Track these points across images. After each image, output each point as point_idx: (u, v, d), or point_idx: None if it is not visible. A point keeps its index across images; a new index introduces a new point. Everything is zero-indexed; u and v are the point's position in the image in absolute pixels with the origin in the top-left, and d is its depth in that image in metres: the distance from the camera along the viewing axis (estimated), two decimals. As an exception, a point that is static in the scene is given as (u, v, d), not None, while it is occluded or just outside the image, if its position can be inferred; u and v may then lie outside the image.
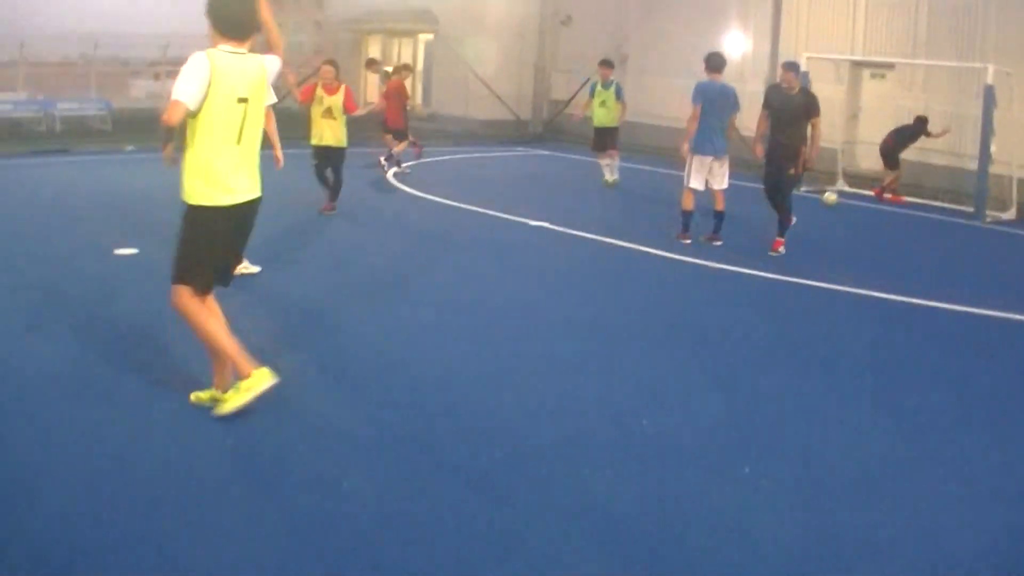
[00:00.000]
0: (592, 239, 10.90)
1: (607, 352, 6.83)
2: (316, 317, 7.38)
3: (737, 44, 21.42)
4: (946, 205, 15.14)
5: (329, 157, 11.44)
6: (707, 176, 10.55)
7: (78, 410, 5.21)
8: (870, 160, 18.29)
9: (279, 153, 8.41)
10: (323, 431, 5.10)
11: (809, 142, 10.24)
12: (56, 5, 27.75)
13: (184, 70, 4.70)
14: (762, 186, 10.62)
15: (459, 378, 6.11)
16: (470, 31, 23.82)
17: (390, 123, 15.66)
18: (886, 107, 18.17)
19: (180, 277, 4.96)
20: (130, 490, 4.30)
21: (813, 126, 10.22)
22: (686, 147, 10.44)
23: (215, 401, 5.11)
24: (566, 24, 24.43)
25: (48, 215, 11.17)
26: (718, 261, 9.89)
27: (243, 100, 4.85)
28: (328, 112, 11.36)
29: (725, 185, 10.57)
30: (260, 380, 4.98)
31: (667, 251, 10.32)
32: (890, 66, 18.35)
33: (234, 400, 4.97)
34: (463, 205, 12.86)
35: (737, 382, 6.32)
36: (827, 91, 15.77)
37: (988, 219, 14.11)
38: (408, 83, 29.66)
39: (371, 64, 19.33)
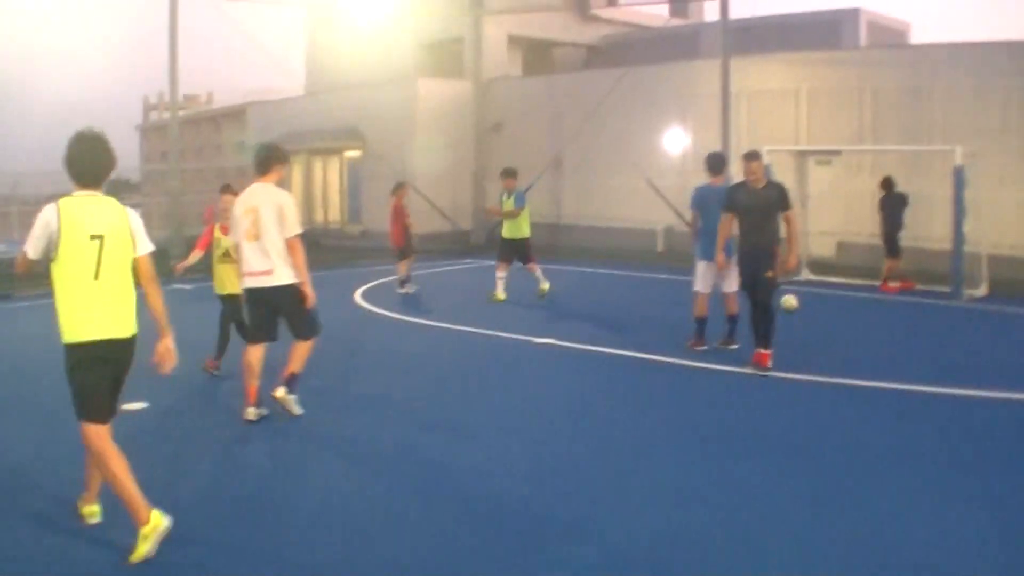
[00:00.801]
0: (606, 353, 10.16)
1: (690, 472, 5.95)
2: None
3: (678, 140, 21.27)
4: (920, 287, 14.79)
5: (234, 308, 8.86)
6: (716, 279, 9.90)
7: None
8: (824, 247, 18.08)
9: (308, 290, 7.34)
10: None
11: (786, 241, 9.05)
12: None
13: (35, 222, 5.03)
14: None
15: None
16: (399, 145, 23.30)
17: (395, 243, 15.32)
18: (836, 192, 18.07)
19: (81, 414, 5.10)
20: None
21: (787, 221, 8.99)
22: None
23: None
24: (497, 131, 24.09)
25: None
26: (739, 366, 9.18)
27: (96, 237, 5.05)
28: (227, 256, 9.00)
29: (735, 288, 9.69)
30: (158, 521, 4.97)
31: (685, 359, 9.64)
32: (836, 153, 18.31)
33: (143, 547, 4.91)
34: (456, 327, 11.96)
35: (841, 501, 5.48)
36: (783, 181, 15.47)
37: (965, 297, 13.82)
38: (337, 202, 29.40)
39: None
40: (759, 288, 8.90)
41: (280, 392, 7.46)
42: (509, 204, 14.03)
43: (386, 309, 13.66)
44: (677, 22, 33.14)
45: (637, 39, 30.02)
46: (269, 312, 7.45)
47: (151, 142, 76.79)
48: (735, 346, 9.94)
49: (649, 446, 6.82)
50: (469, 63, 25.56)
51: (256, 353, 7.48)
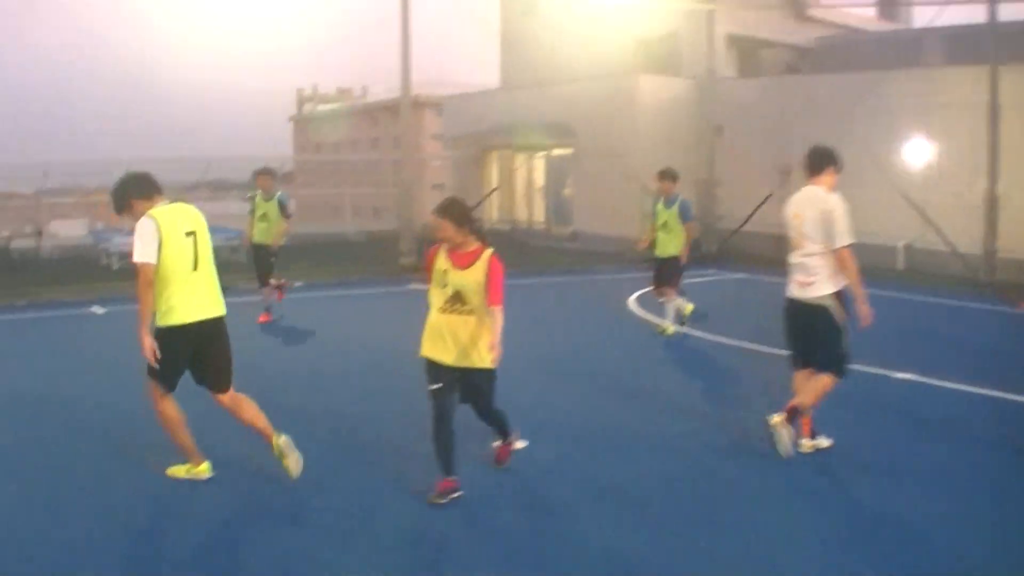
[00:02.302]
0: (997, 398, 8.41)
1: None
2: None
3: (920, 151, 19.55)
4: None
5: None
6: None
7: None
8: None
9: (862, 307, 6.57)
10: None
11: None
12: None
13: (137, 235, 5.79)
14: None
15: None
16: (616, 144, 22.08)
17: None
18: None
19: (148, 374, 5.98)
20: None
21: None
22: None
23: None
24: (718, 134, 22.72)
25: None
26: None
27: (190, 233, 5.97)
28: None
29: None
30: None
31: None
32: None
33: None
34: (769, 349, 10.48)
35: None
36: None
37: None
38: (524, 200, 28.51)
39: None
40: None
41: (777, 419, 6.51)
42: (667, 214, 11.56)
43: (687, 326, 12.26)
44: (886, 25, 31.27)
45: (852, 42, 28.23)
46: (801, 329, 6.73)
47: (304, 133, 77.97)
48: None
49: None
50: (687, 61, 24.26)
51: (802, 376, 6.78)
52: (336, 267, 18.90)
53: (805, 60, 28.36)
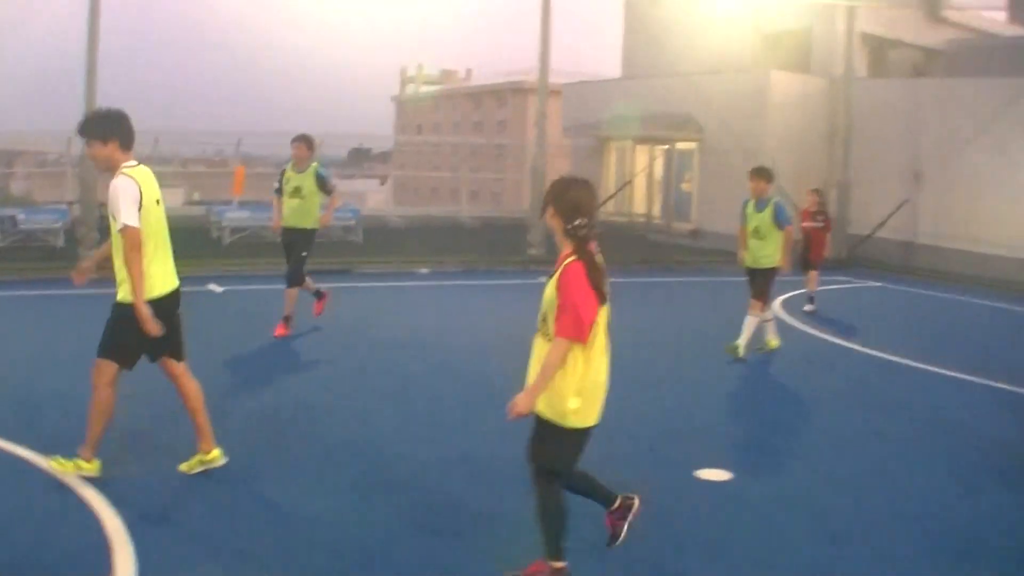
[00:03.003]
0: None
1: None
2: None
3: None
4: None
5: None
6: None
7: None
8: None
9: None
10: None
11: None
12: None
13: (121, 195, 5.40)
14: None
15: None
16: (745, 141, 21.92)
17: (813, 256, 14.11)
18: None
19: (107, 353, 5.62)
20: None
21: None
22: None
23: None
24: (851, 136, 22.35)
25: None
26: None
27: (159, 201, 5.65)
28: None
29: None
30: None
31: None
32: None
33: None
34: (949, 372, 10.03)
35: None
36: None
37: None
38: (642, 194, 28.31)
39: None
40: None
41: None
42: (759, 218, 10.22)
43: (844, 337, 11.99)
44: (1017, 30, 30.32)
45: (984, 46, 27.47)
46: None
47: (407, 114, 78.82)
48: None
49: None
50: (818, 58, 23.94)
51: None
52: (460, 255, 18.23)
53: (933, 62, 27.73)
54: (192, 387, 5.85)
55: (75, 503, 5.35)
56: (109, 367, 5.57)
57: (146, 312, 5.39)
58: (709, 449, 6.93)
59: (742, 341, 10.08)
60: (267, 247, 15.88)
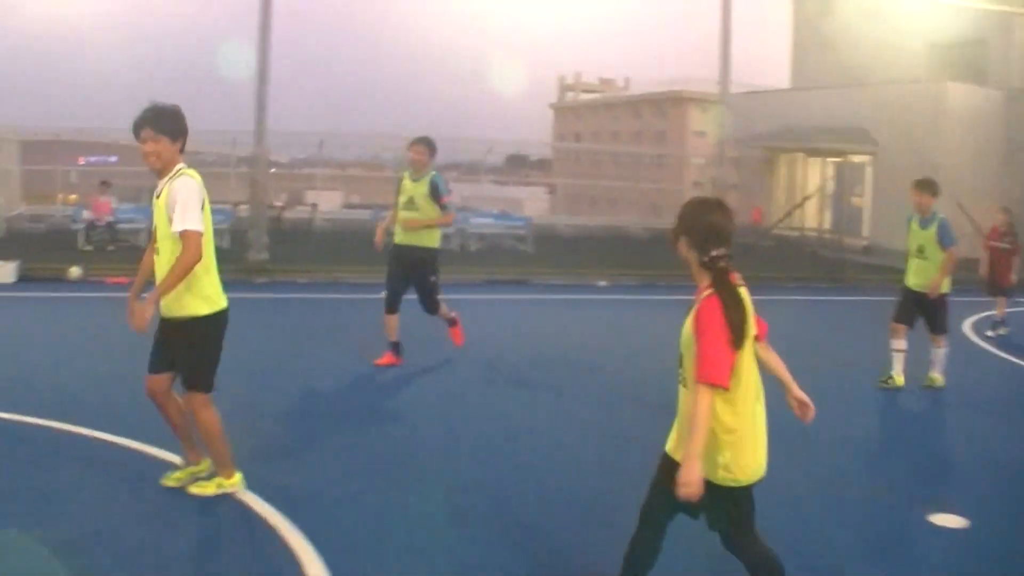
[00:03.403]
0: None
1: None
2: None
3: None
4: None
5: None
6: None
7: None
8: None
9: None
10: None
11: None
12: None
13: (185, 196, 4.96)
14: None
15: None
16: (920, 154, 21.67)
17: (1000, 279, 13.39)
18: None
19: (204, 385, 5.21)
20: None
21: None
22: None
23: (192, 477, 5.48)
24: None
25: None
26: None
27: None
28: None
29: None
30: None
31: None
32: None
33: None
34: None
35: None
36: None
37: None
38: (813, 208, 27.61)
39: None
40: None
41: None
42: (924, 236, 9.28)
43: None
44: None
45: None
46: None
47: (564, 122, 79.67)
48: None
49: None
50: (995, 69, 23.46)
51: None
52: (636, 268, 17.71)
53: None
54: (175, 405, 5.36)
55: (240, 517, 5.15)
56: (196, 393, 5.21)
57: (152, 310, 4.93)
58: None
59: (937, 374, 9.43)
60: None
